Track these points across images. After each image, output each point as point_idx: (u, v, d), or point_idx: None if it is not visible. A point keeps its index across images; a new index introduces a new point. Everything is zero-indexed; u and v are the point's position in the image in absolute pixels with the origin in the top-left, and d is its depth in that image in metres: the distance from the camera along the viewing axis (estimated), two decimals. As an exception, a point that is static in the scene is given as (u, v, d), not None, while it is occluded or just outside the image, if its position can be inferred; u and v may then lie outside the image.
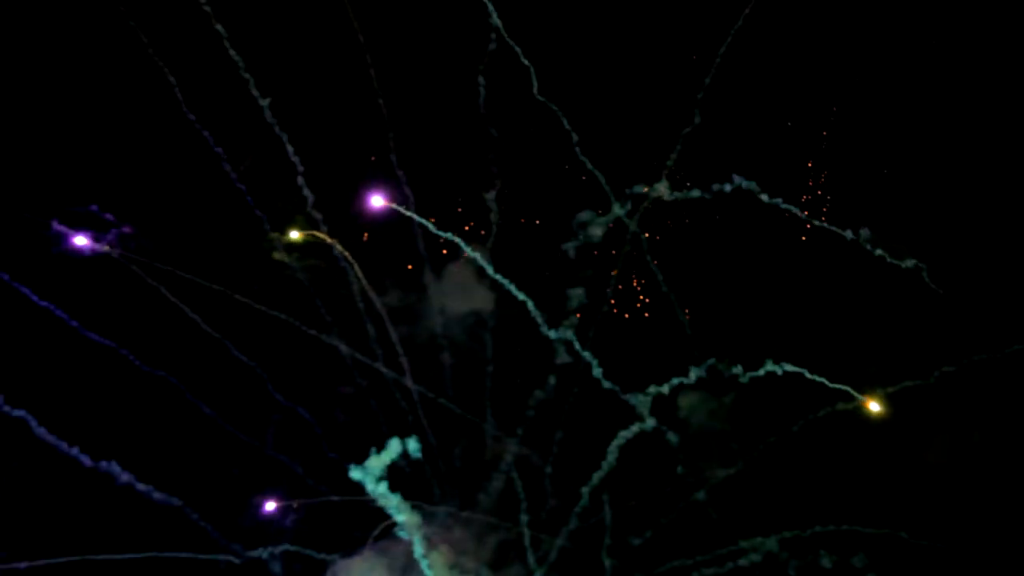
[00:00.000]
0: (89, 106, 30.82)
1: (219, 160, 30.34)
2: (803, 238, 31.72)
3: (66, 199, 30.93)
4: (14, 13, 29.94)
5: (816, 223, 29.11)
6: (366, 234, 31.69)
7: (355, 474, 24.59)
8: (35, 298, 30.06)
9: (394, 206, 29.25)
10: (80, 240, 29.33)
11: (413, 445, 23.40)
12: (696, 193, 29.61)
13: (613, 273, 30.81)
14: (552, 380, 30.33)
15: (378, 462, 24.49)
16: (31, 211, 30.51)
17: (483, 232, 30.61)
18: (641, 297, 31.54)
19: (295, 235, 30.56)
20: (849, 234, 28.08)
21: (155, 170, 31.31)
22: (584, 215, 29.69)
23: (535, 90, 29.94)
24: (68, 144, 30.87)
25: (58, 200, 30.81)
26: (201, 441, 30.81)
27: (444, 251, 31.00)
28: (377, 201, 29.14)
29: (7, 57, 30.17)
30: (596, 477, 28.93)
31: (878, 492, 32.20)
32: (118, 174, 31.16)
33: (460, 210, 30.86)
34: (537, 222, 31.38)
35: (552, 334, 29.75)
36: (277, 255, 30.82)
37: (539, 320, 29.58)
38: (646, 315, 31.73)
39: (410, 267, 31.37)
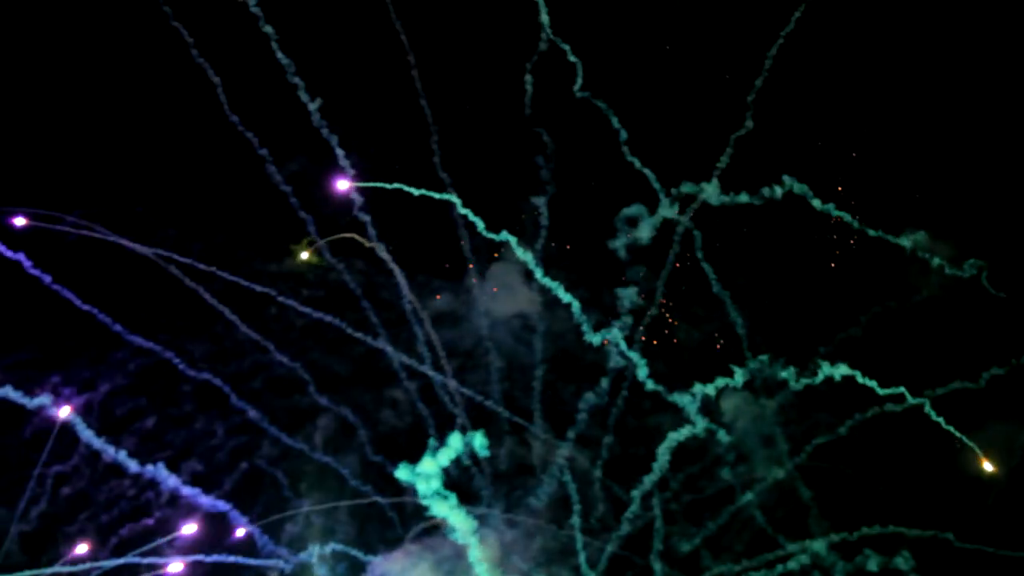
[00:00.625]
0: (132, 109, 30.64)
1: (263, 162, 30.17)
2: (852, 241, 31.43)
3: (111, 201, 30.84)
4: (59, 13, 29.76)
5: (871, 232, 28.79)
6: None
7: (402, 474, 24.33)
8: (78, 302, 29.89)
9: (357, 185, 28.79)
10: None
11: (479, 440, 22.93)
12: (744, 198, 29.37)
13: (663, 273, 30.48)
14: (604, 383, 30.03)
15: (434, 461, 24.19)
16: (72, 213, 30.42)
17: (531, 233, 30.32)
18: (690, 298, 31.22)
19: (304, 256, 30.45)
20: (906, 242, 27.84)
21: (198, 172, 31.11)
22: (632, 210, 29.32)
23: (580, 88, 29.70)
24: (112, 146, 30.71)
25: (102, 202, 30.73)
26: (247, 444, 30.68)
27: (495, 253, 30.82)
28: (343, 184, 28.81)
29: (52, 57, 30.02)
30: (648, 481, 28.67)
31: (924, 494, 31.97)
32: (162, 176, 30.98)
33: (507, 211, 30.56)
34: (585, 222, 31.02)
35: (595, 338, 29.48)
36: (311, 259, 30.62)
37: (584, 323, 29.35)
38: (695, 315, 31.39)
39: (455, 269, 31.21)
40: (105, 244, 30.66)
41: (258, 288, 30.56)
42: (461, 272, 31.48)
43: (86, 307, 30.07)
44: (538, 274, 28.43)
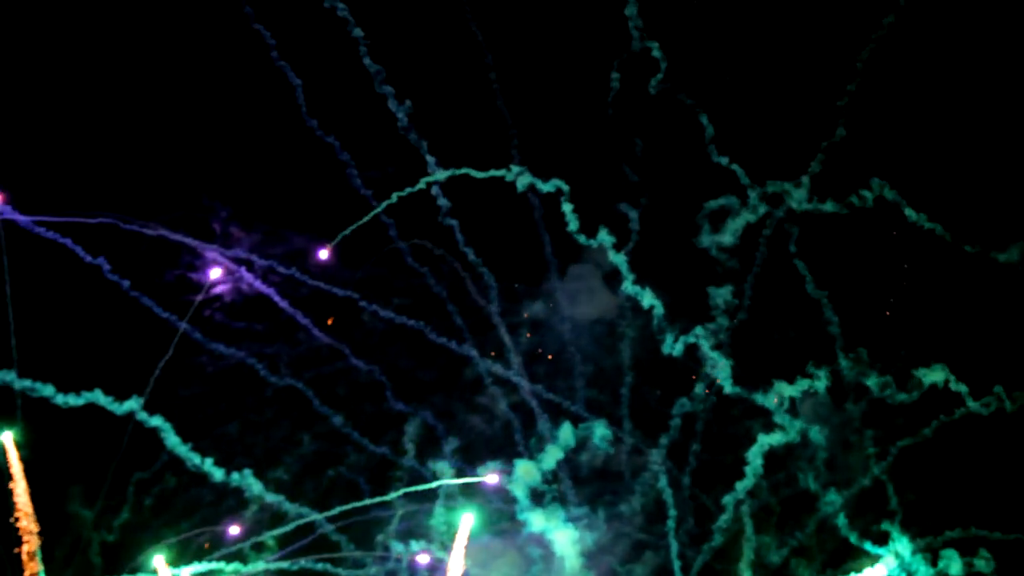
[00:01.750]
0: (212, 112, 30.38)
1: (346, 166, 29.87)
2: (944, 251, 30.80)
3: (190, 206, 30.61)
4: (141, 17, 29.49)
5: (968, 249, 28.41)
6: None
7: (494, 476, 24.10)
8: (158, 310, 29.62)
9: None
10: None
11: (601, 431, 22.53)
12: (830, 207, 29.07)
13: (752, 274, 30.02)
14: (698, 388, 29.66)
15: (531, 464, 23.96)
16: (153, 219, 30.16)
17: (619, 234, 29.87)
18: (780, 298, 30.66)
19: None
20: (1011, 256, 27.48)
21: (278, 176, 30.83)
22: (720, 207, 28.94)
23: (663, 83, 29.36)
24: (191, 150, 30.45)
25: (180, 207, 30.48)
26: (331, 451, 30.40)
27: (577, 256, 30.49)
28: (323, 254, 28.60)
29: (129, 60, 29.74)
30: (741, 487, 28.29)
31: (1005, 495, 31.64)
32: (242, 180, 30.71)
33: (597, 213, 30.11)
34: (671, 221, 30.52)
35: (676, 348, 29.15)
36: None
37: (665, 331, 29.04)
38: (785, 316, 30.86)
39: (537, 272, 30.86)
40: (183, 249, 30.47)
41: (339, 292, 30.33)
42: (543, 275, 31.15)
43: (165, 314, 29.84)
44: (628, 281, 28.10)
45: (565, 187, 27.96)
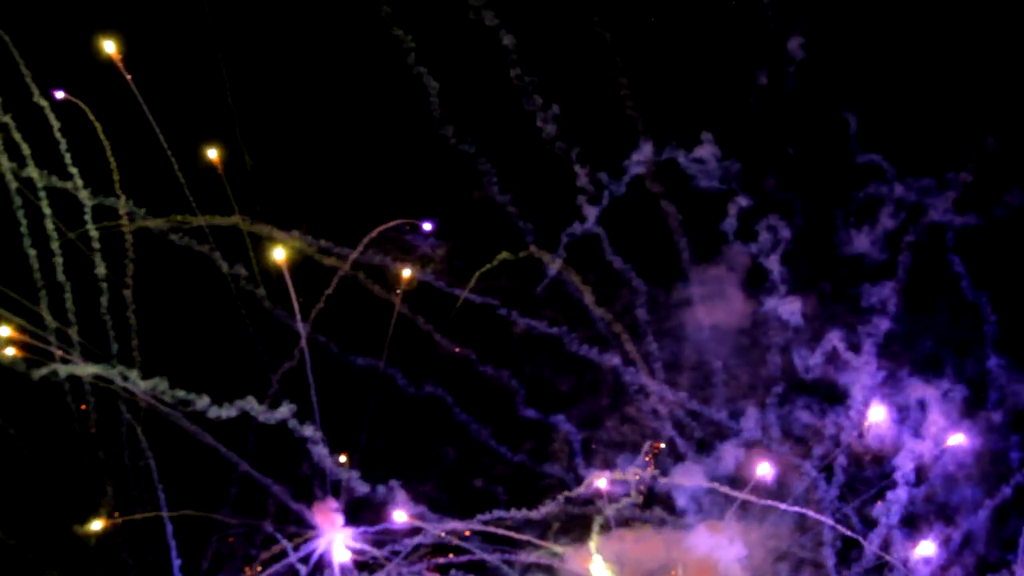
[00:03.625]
0: (348, 121, 30.08)
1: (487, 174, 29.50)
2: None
3: (318, 212, 30.31)
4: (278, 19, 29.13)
5: None
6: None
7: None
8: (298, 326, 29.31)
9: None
10: None
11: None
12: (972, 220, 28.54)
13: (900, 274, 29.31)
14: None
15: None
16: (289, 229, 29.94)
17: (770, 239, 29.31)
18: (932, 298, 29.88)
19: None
20: None
21: (410, 181, 30.47)
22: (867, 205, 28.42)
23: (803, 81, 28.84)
24: (327, 158, 30.14)
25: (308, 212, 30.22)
26: (474, 459, 30.12)
27: (712, 261, 29.98)
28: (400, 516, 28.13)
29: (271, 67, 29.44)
30: (893, 498, 27.71)
31: None
32: (374, 187, 30.36)
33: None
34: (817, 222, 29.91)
35: (811, 360, 28.63)
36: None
37: (811, 332, 28.55)
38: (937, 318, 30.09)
39: (673, 278, 30.38)
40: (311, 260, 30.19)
41: (478, 300, 29.99)
42: (686, 280, 30.60)
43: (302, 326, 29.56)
44: (778, 285, 27.62)
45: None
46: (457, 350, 30.36)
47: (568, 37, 28.95)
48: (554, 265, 30.13)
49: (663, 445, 29.28)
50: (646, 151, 28.95)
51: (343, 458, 28.83)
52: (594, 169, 28.85)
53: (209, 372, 28.82)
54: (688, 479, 26.99)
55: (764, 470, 27.04)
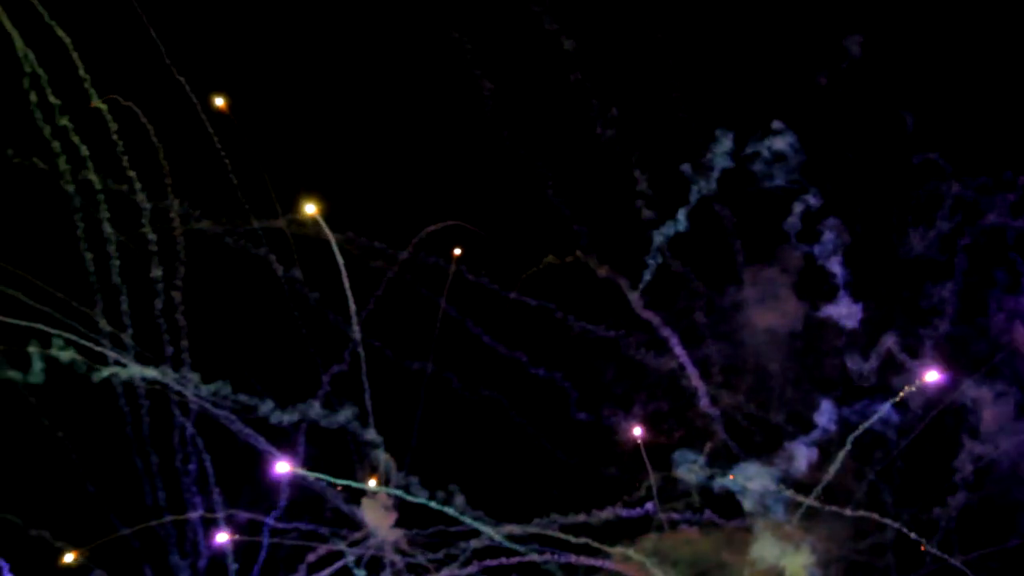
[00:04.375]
0: (406, 122, 29.97)
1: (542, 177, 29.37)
2: None
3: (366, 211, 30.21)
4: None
5: None
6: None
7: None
8: (354, 336, 29.23)
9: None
10: None
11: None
12: None
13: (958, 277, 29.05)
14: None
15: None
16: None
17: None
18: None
19: None
20: None
21: (466, 184, 30.36)
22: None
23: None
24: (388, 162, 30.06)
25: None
26: (529, 462, 30.01)
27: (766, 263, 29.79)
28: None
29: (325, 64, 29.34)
30: (953, 503, 27.41)
31: None
32: (429, 189, 30.26)
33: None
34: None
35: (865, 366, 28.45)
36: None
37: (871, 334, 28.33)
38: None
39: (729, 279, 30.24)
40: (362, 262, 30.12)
41: (533, 302, 29.87)
42: (735, 282, 30.49)
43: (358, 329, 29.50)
44: (842, 287, 27.41)
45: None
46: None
47: (624, 40, 28.90)
48: (601, 269, 30.01)
49: (717, 445, 29.14)
50: (718, 147, 28.77)
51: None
52: (654, 172, 28.74)
53: (262, 376, 28.92)
54: (750, 480, 26.82)
55: (827, 472, 26.88)
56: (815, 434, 28.21)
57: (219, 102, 28.29)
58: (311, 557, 28.97)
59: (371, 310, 30.15)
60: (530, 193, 29.89)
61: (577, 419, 30.34)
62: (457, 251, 30.19)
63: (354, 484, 28.18)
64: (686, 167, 28.34)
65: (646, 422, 29.65)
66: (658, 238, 28.65)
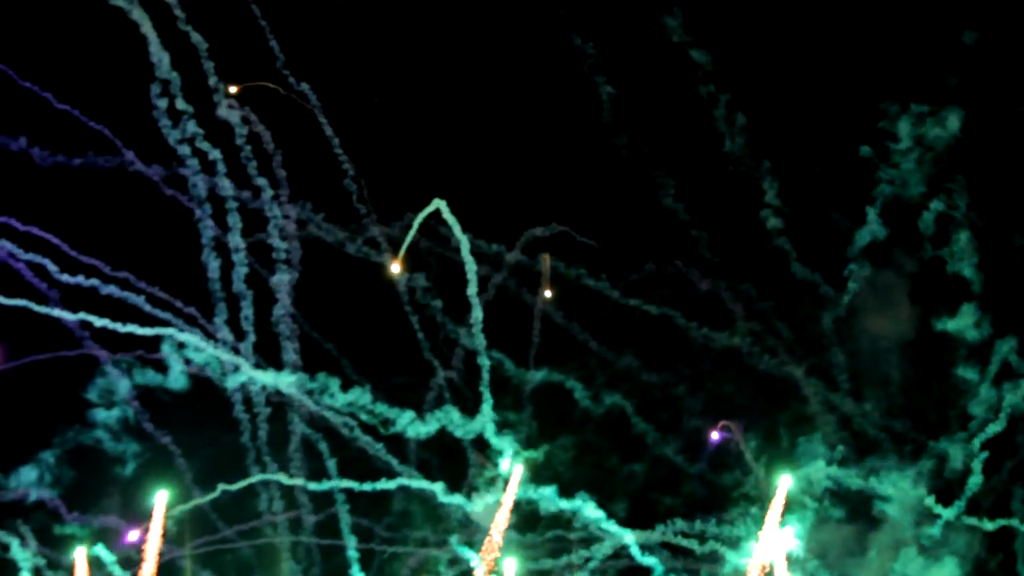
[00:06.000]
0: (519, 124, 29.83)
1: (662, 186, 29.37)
2: None
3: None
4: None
5: None
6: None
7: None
8: (476, 345, 29.05)
9: None
10: None
11: None
12: None
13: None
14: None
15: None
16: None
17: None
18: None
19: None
20: None
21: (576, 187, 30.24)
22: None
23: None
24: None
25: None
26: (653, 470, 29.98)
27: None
28: None
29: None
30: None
31: None
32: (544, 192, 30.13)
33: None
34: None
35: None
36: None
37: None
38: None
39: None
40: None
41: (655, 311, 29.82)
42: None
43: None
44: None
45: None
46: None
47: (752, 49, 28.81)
48: (703, 284, 30.03)
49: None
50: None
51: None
52: (778, 180, 28.69)
53: (381, 384, 28.85)
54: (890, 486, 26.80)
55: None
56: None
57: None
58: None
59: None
60: (644, 199, 29.88)
61: (694, 427, 30.35)
62: (546, 257, 30.15)
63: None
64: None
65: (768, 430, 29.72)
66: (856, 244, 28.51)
